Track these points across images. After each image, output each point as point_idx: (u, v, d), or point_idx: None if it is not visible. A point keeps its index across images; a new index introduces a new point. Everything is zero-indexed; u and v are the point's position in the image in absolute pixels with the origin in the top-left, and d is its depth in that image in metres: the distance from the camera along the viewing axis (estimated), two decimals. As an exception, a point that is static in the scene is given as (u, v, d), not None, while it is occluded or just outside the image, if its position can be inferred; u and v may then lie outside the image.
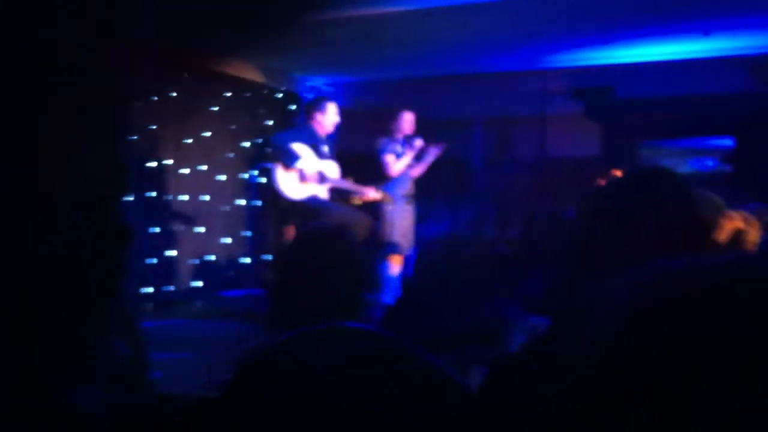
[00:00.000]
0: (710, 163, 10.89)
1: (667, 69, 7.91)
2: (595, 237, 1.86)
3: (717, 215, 3.48)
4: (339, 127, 6.67)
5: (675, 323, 0.58)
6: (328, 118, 6.47)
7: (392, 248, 6.89)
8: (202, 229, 7.59)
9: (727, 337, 0.55)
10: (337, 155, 6.66)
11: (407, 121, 7.01)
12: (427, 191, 8.65)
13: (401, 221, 6.94)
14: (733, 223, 4.11)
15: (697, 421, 0.53)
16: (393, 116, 7.02)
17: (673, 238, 1.69)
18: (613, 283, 0.65)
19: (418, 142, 7.00)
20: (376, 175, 6.93)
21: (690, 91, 8.95)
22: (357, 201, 6.56)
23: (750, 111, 8.82)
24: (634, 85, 9.03)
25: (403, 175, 6.98)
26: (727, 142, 10.14)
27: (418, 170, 7.09)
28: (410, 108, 7.09)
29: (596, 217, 1.90)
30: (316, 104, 6.62)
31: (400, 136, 7.00)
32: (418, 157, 7.06)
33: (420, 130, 7.08)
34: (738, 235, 4.03)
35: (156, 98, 6.88)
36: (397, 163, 6.93)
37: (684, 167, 10.45)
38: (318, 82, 8.87)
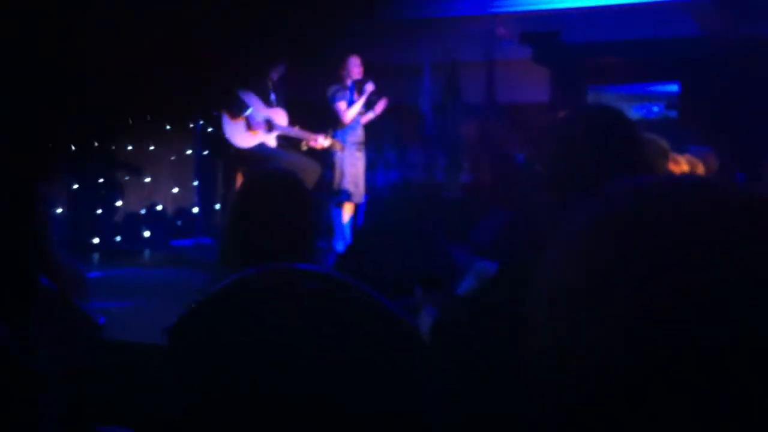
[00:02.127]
0: (656, 108, 11.03)
1: (614, 13, 7.95)
2: (542, 178, 1.87)
3: (663, 159, 3.53)
4: (287, 74, 6.58)
5: (641, 234, 0.55)
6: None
7: (344, 195, 6.87)
8: (148, 179, 7.48)
9: (690, 248, 0.53)
10: (285, 102, 6.58)
11: (356, 66, 6.93)
12: (377, 138, 8.63)
13: (352, 168, 6.90)
14: (678, 167, 4.19)
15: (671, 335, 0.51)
16: (341, 62, 6.93)
17: (620, 177, 1.71)
18: (576, 206, 0.63)
19: (369, 86, 6.93)
20: (326, 122, 6.86)
21: (636, 36, 9.00)
22: (306, 148, 6.51)
23: (695, 56, 8.93)
24: (581, 30, 9.06)
25: (354, 122, 6.93)
26: (673, 87, 10.26)
27: (368, 118, 7.04)
28: (358, 53, 7.01)
29: (543, 157, 1.91)
30: (263, 50, 6.52)
31: (349, 82, 6.92)
32: (369, 103, 7.00)
33: (368, 75, 7.01)
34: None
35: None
36: (349, 110, 6.87)
37: (630, 112, 10.56)
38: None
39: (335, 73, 6.96)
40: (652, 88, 10.88)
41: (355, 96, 6.92)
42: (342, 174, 6.84)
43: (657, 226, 0.55)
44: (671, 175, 0.58)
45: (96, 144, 6.89)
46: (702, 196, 0.56)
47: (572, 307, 0.57)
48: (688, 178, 0.61)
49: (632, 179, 0.61)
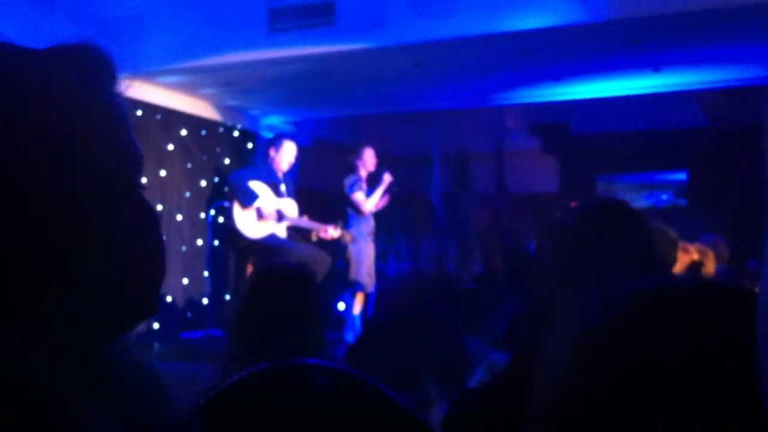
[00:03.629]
0: (665, 197, 11.07)
1: (621, 104, 8.06)
2: (553, 270, 1.87)
3: (673, 248, 3.52)
4: (297, 165, 6.66)
5: (642, 339, 0.61)
6: (286, 156, 6.47)
7: (358, 286, 6.86)
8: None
9: (691, 350, 0.59)
10: (295, 193, 6.64)
11: (370, 157, 7.01)
12: (388, 228, 8.66)
13: (363, 258, 6.91)
14: (688, 256, 4.17)
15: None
16: (356, 153, 7.01)
17: (630, 269, 1.70)
18: (582, 305, 0.67)
19: (388, 177, 7.00)
20: (336, 213, 6.91)
21: (644, 127, 9.12)
22: (316, 238, 6.53)
23: (702, 146, 9.01)
24: (589, 121, 9.19)
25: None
26: (681, 176, 10.33)
27: (380, 204, 7.08)
28: (370, 145, 7.10)
29: (554, 250, 1.90)
30: (273, 142, 6.61)
31: (364, 173, 6.99)
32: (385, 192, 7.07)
33: (379, 166, 7.09)
34: (694, 267, 4.09)
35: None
36: (368, 201, 6.91)
37: (639, 201, 10.60)
38: (275, 119, 8.87)
39: (348, 164, 7.02)
40: (661, 177, 10.95)
41: (364, 186, 6.98)
42: (356, 264, 6.85)
43: (649, 332, 0.61)
44: (669, 281, 0.66)
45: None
46: (693, 301, 0.63)
47: (571, 404, 0.63)
48: (685, 283, 0.69)
49: (631, 285, 0.68)
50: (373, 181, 7.07)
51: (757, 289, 0.62)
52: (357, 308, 6.92)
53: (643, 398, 0.59)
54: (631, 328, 0.63)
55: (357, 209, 6.87)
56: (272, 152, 6.47)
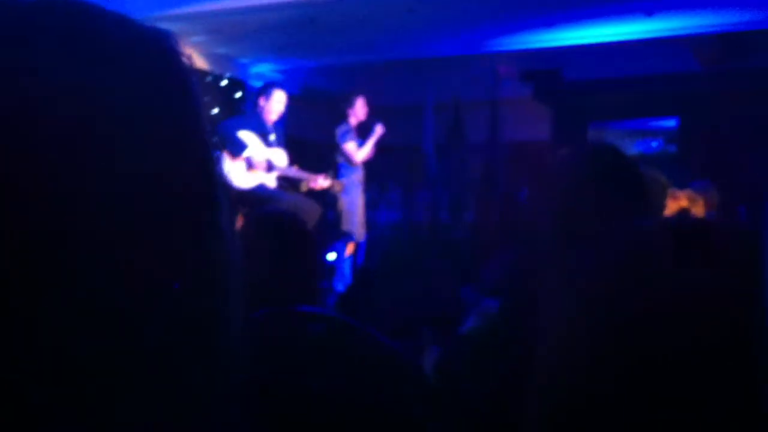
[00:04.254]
0: (655, 144, 11.07)
1: (612, 50, 8.00)
2: (546, 217, 1.86)
3: (663, 195, 3.52)
4: (286, 114, 6.60)
5: (648, 280, 0.61)
6: (276, 105, 6.39)
7: (348, 236, 6.86)
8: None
9: (702, 292, 0.59)
10: (285, 143, 6.59)
11: (362, 106, 6.95)
12: (380, 177, 8.63)
13: (355, 208, 6.90)
14: (677, 202, 4.18)
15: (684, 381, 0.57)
16: (348, 102, 6.94)
17: (625, 215, 1.70)
18: (579, 251, 0.67)
19: (380, 129, 6.95)
20: (326, 163, 6.88)
21: (635, 73, 9.06)
22: (306, 188, 6.51)
23: (693, 91, 8.97)
24: (581, 67, 9.12)
25: (356, 161, 6.94)
26: (671, 122, 10.31)
27: (369, 154, 7.05)
28: (361, 94, 7.04)
29: (547, 198, 1.89)
30: (263, 91, 6.54)
31: (355, 122, 6.94)
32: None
33: (371, 116, 7.04)
34: (683, 214, 4.10)
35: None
36: (360, 151, 6.88)
37: (630, 148, 10.60)
38: (264, 68, 8.78)
39: (340, 113, 6.96)
40: (652, 124, 10.94)
41: (356, 136, 6.94)
42: (347, 214, 6.84)
43: (647, 272, 0.62)
44: (663, 221, 0.68)
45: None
46: (687, 241, 0.64)
47: (576, 341, 0.63)
48: (678, 223, 0.70)
49: (626, 225, 0.69)
50: (363, 131, 7.02)
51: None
52: (348, 257, 6.93)
53: (655, 340, 0.59)
54: (636, 266, 0.63)
55: (348, 159, 6.84)
56: (262, 101, 6.40)
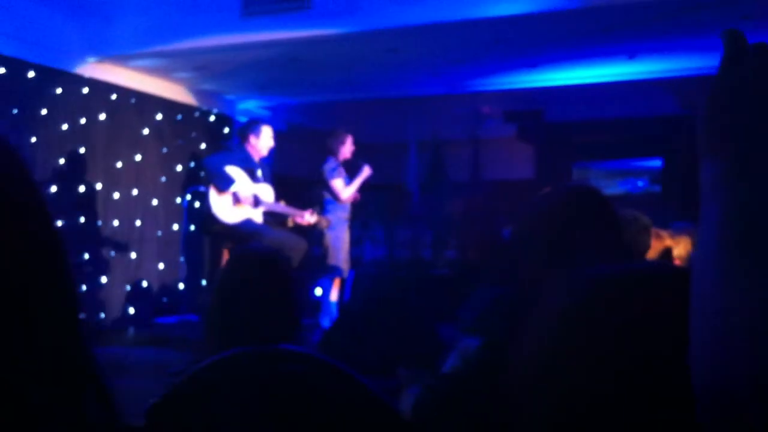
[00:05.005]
0: (640, 183, 11.16)
1: (596, 92, 8.11)
2: (525, 256, 1.89)
3: (645, 234, 3.55)
4: (273, 150, 6.64)
5: (603, 325, 0.65)
6: (263, 141, 6.44)
7: (335, 272, 6.86)
8: (134, 255, 7.45)
9: (651, 337, 0.64)
10: (271, 178, 6.62)
11: (350, 144, 6.97)
12: (364, 214, 8.66)
13: (341, 244, 6.91)
14: (661, 242, 4.21)
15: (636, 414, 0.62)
16: (337, 138, 6.94)
17: (600, 255, 1.73)
18: (545, 292, 0.70)
19: (367, 170, 6.96)
20: (311, 198, 6.89)
21: (619, 114, 9.18)
22: (292, 224, 6.52)
23: (676, 133, 9.08)
24: (565, 108, 9.23)
25: (341, 198, 6.96)
26: (656, 163, 10.41)
27: (354, 195, 7.06)
28: (347, 131, 7.07)
29: (525, 236, 1.92)
30: (250, 127, 6.58)
31: (341, 160, 6.94)
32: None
33: (355, 156, 7.07)
34: (667, 253, 4.13)
35: (84, 120, 6.74)
36: (347, 189, 6.88)
37: (615, 188, 10.68)
38: (251, 104, 8.84)
39: (328, 149, 6.96)
40: (636, 164, 11.04)
41: (343, 173, 6.96)
42: (333, 250, 6.85)
43: (605, 317, 0.66)
44: (626, 267, 0.72)
45: (82, 220, 6.87)
46: (644, 288, 0.68)
47: (544, 380, 0.67)
48: (640, 269, 0.74)
49: (590, 271, 0.73)
50: (348, 169, 7.04)
51: None
52: (334, 294, 6.93)
53: (612, 375, 0.63)
54: (594, 312, 0.66)
55: (335, 195, 6.85)
56: (252, 138, 6.42)
